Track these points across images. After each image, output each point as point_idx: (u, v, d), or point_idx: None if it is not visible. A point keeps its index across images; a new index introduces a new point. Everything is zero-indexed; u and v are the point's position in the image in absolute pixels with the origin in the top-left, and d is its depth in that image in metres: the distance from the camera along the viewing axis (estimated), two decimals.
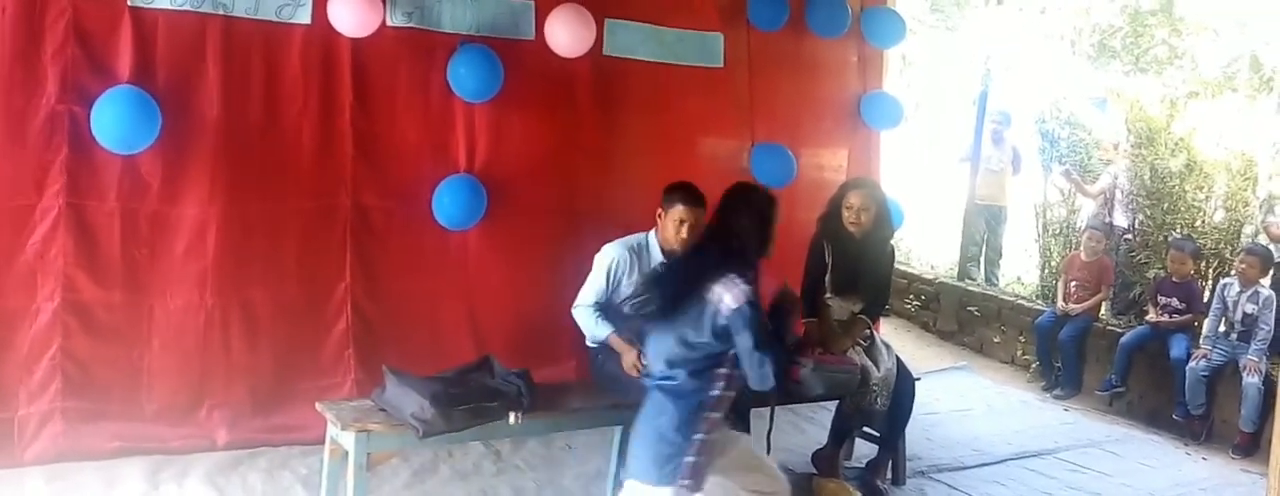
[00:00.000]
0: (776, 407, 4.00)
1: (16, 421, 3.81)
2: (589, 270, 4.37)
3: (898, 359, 4.27)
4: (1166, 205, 6.82)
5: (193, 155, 4.05)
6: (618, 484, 3.98)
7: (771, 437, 3.95)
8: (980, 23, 10.01)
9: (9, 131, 3.74)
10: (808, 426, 5.04)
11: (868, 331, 4.23)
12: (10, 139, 3.74)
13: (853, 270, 4.18)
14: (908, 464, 4.52)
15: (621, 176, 5.19)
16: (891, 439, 4.31)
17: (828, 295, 4.21)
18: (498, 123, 4.72)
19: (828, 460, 4.27)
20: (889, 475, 4.38)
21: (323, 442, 3.50)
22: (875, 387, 4.04)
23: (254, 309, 4.22)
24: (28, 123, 3.76)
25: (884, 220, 4.22)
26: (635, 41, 5.10)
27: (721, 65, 5.45)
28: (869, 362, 4.11)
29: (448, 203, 4.54)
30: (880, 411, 4.10)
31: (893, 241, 4.42)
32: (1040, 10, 10.24)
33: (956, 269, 7.98)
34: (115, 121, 3.73)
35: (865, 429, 4.32)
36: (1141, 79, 9.30)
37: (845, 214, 4.15)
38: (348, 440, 3.26)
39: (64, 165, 3.81)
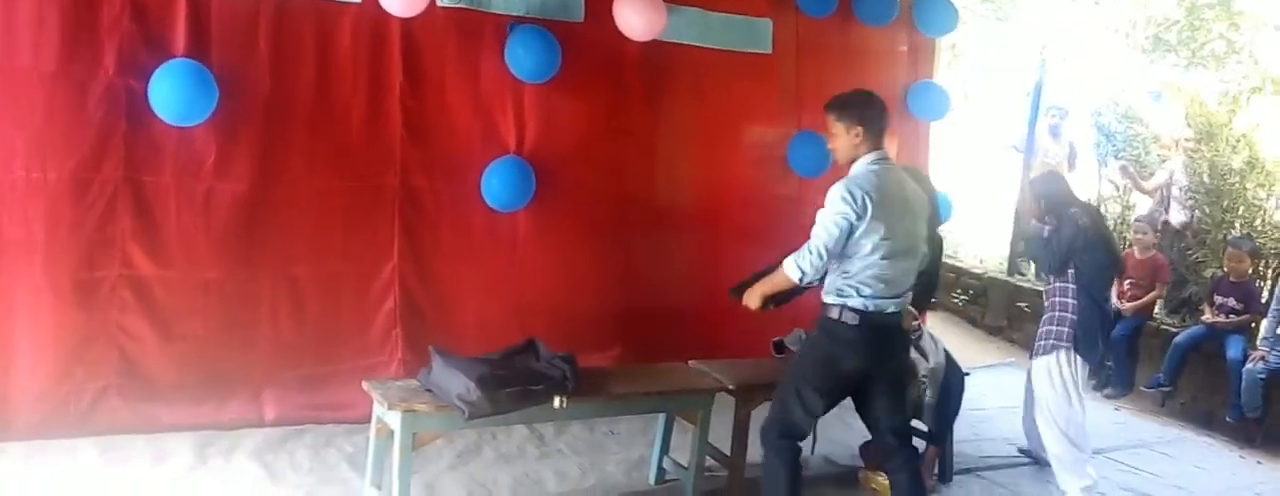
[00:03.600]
0: None
1: (72, 393, 3.86)
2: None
3: (947, 353, 4.18)
4: (1226, 203, 6.65)
5: (245, 132, 4.06)
6: (661, 471, 3.97)
7: (816, 430, 3.92)
8: (1032, 13, 9.81)
9: (68, 104, 3.77)
10: (852, 419, 4.92)
11: (915, 323, 4.14)
12: (69, 112, 3.77)
13: None
14: (954, 460, 4.44)
15: (667, 160, 5.16)
16: (939, 434, 4.23)
17: None
18: (547, 105, 4.69)
19: (876, 452, 4.19)
20: (936, 470, 4.31)
21: (368, 421, 3.49)
22: (924, 380, 3.96)
23: (303, 286, 4.24)
24: (86, 96, 3.79)
25: (933, 210, 4.11)
26: (684, 26, 5.03)
27: (769, 51, 5.38)
28: (917, 354, 4.03)
29: (496, 184, 4.52)
30: (928, 404, 4.02)
31: (941, 232, 4.30)
32: (1094, 1, 10.01)
33: (1006, 263, 7.84)
34: (174, 93, 3.75)
35: (913, 423, 4.23)
36: (1199, 73, 9.06)
37: None
38: (394, 420, 3.25)
39: (122, 138, 3.84)
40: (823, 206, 5.62)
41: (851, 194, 3.20)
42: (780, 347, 4.19)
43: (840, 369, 3.36)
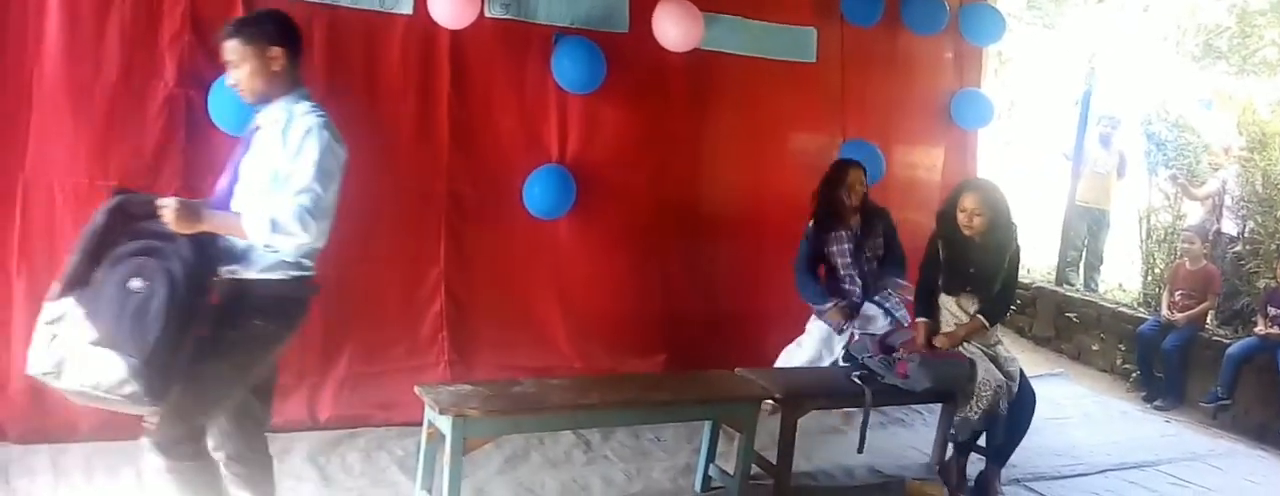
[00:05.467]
0: (871, 408, 3.96)
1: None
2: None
3: (1022, 372, 4.13)
4: (1279, 213, 6.51)
5: None
6: (707, 479, 3.98)
7: (866, 435, 3.92)
8: (1080, 20, 9.71)
9: (128, 115, 3.87)
10: (899, 429, 4.95)
11: (991, 336, 4.12)
12: (129, 122, 3.87)
13: (963, 270, 4.06)
14: (1002, 471, 4.39)
15: (711, 170, 5.18)
16: (1007, 450, 4.18)
17: (941, 294, 4.12)
18: (591, 114, 4.74)
19: (955, 472, 4.17)
20: (1000, 485, 4.26)
21: (418, 421, 3.54)
22: (997, 390, 3.91)
23: (352, 290, 4.30)
24: (146, 106, 3.89)
25: (1001, 224, 4.04)
26: (728, 35, 5.06)
27: (814, 60, 5.39)
28: (992, 366, 3.99)
29: (538, 192, 4.58)
30: (1002, 416, 3.97)
31: (1016, 245, 4.17)
32: (1142, 8, 9.89)
33: (1054, 273, 7.75)
34: (233, 104, 3.82)
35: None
36: (1251, 81, 8.90)
37: (958, 216, 4.03)
38: (445, 424, 3.28)
39: (181, 148, 3.94)
40: None
41: (333, 134, 2.65)
42: (849, 357, 4.19)
43: (279, 352, 2.78)
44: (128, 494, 3.48)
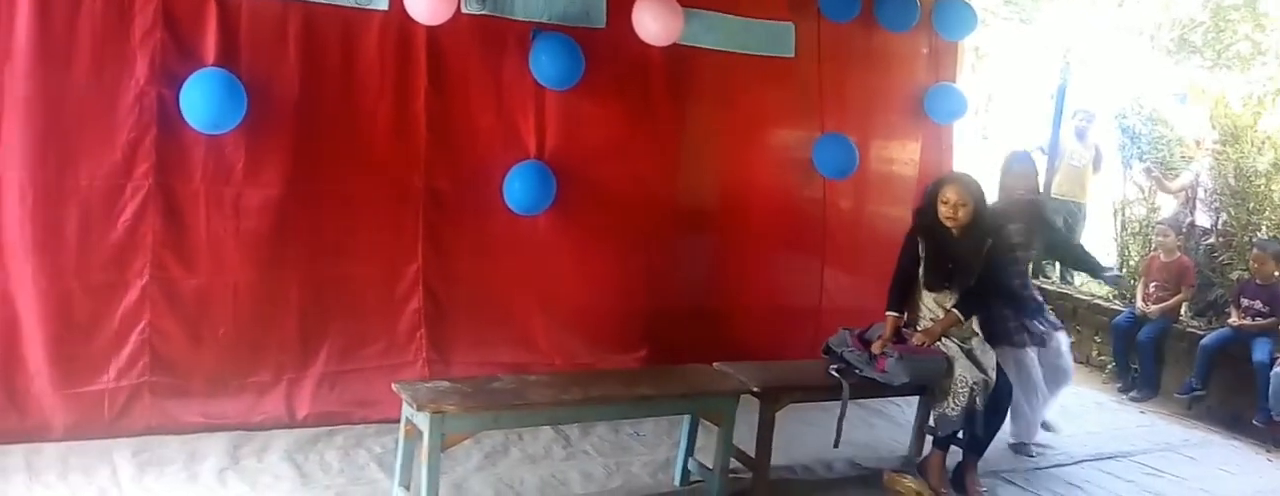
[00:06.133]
0: (848, 400, 3.98)
1: (107, 394, 3.92)
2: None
3: (999, 367, 4.14)
4: (1252, 205, 6.60)
5: (274, 137, 4.12)
6: (686, 473, 3.99)
7: (842, 427, 3.94)
8: (1056, 15, 9.76)
9: (100, 112, 3.84)
10: (877, 421, 4.98)
11: (967, 329, 4.14)
12: (101, 119, 3.84)
13: (945, 265, 4.05)
14: (979, 462, 4.42)
15: (691, 164, 5.19)
16: (983, 445, 4.21)
17: (921, 290, 4.13)
18: (568, 110, 4.73)
19: (936, 468, 4.20)
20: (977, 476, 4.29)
21: (396, 418, 3.52)
22: (975, 387, 3.95)
23: (330, 287, 4.30)
24: (118, 104, 3.86)
25: (982, 217, 4.07)
26: (707, 30, 5.07)
27: (792, 55, 5.40)
28: (970, 363, 4.01)
29: (517, 188, 4.57)
30: (980, 413, 3.99)
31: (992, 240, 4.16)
32: (1117, 3, 9.96)
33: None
34: (204, 102, 3.82)
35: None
36: (1224, 75, 8.99)
37: (941, 209, 4.02)
38: (423, 421, 3.28)
39: (153, 145, 3.90)
40: (847, 208, 5.54)
41: None
42: (828, 351, 4.20)
43: None
44: (102, 493, 3.46)
